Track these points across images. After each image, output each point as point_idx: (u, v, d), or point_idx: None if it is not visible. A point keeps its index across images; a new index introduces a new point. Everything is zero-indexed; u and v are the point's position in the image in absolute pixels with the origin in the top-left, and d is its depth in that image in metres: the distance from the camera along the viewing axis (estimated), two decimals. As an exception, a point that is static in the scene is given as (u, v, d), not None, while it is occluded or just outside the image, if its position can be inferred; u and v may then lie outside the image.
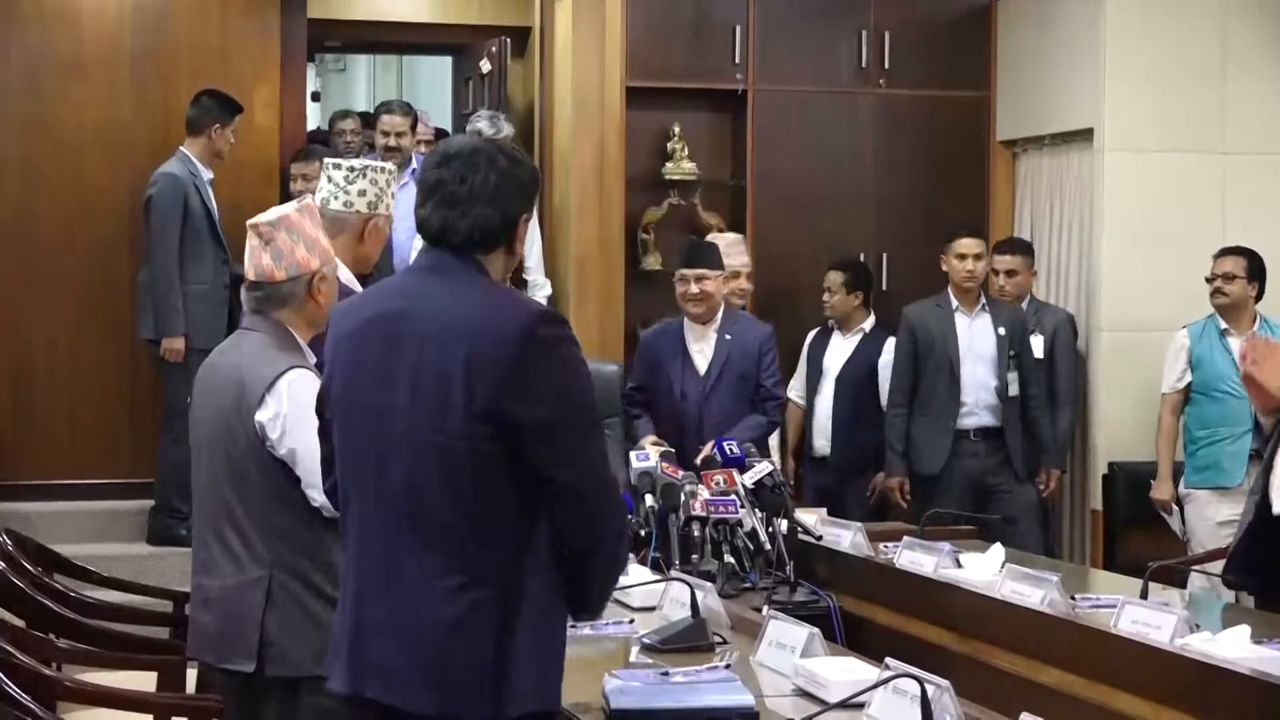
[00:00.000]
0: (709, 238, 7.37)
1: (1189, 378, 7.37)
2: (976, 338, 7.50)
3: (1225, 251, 7.38)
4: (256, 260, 3.88)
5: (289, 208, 3.97)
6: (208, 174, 7.90)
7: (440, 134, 9.26)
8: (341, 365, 3.20)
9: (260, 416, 3.75)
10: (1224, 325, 7.30)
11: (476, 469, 3.02)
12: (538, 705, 3.07)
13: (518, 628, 3.03)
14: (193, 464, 3.94)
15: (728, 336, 6.69)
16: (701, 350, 6.70)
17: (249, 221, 3.95)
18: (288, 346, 3.85)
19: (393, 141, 8.10)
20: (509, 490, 3.03)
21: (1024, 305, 7.85)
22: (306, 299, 3.89)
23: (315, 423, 3.35)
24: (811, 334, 8.09)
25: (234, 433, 3.78)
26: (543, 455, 3.01)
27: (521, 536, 3.05)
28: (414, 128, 8.29)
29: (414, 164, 7.89)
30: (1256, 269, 7.30)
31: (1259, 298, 7.34)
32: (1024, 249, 8.05)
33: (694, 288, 6.63)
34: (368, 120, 9.18)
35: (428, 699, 3.02)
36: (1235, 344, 7.22)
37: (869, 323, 7.91)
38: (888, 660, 3.32)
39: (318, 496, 3.70)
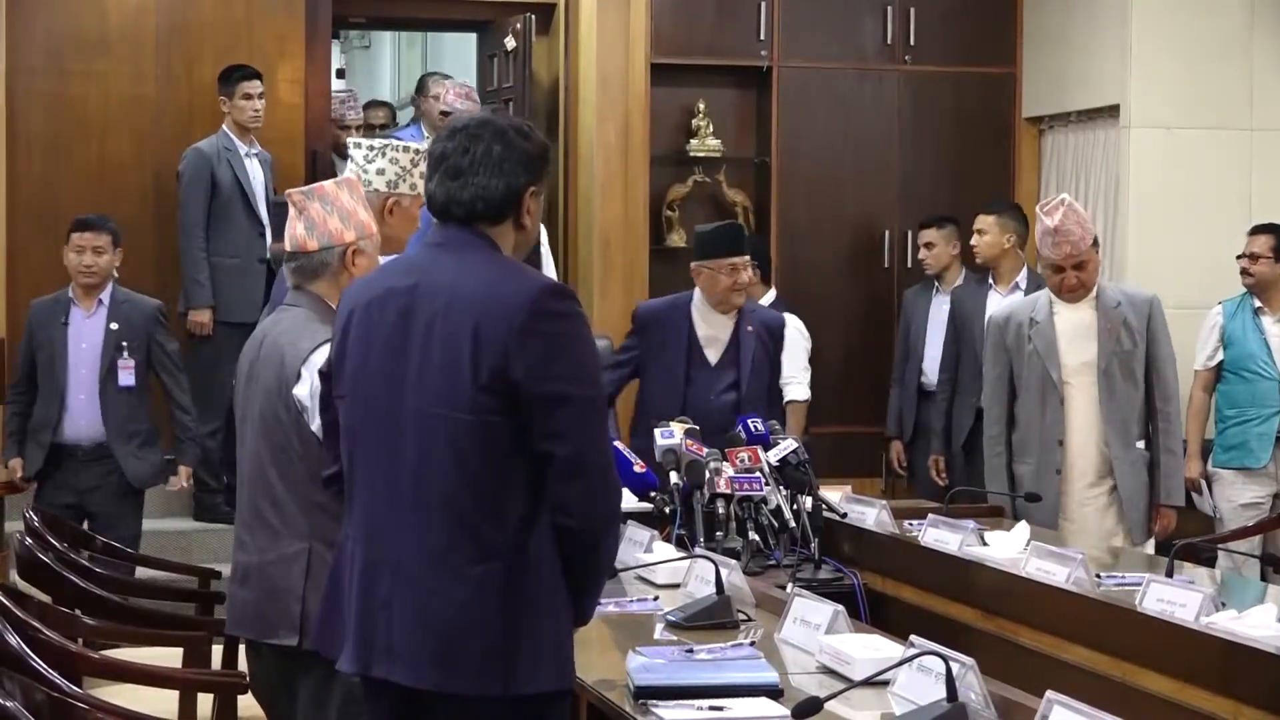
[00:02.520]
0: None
1: (1221, 355, 7.28)
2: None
3: (1256, 230, 7.31)
4: (291, 230, 3.93)
5: (329, 180, 4.02)
6: (246, 148, 7.92)
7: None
8: (354, 340, 3.20)
9: (298, 391, 3.76)
10: (1258, 304, 7.24)
11: (484, 443, 3.01)
12: (552, 685, 3.05)
13: (526, 605, 3.01)
14: (237, 440, 3.96)
15: (749, 328, 5.99)
16: (713, 338, 6.00)
17: (285, 192, 4.01)
18: (327, 320, 3.86)
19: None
20: (517, 466, 3.02)
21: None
22: (341, 270, 3.90)
23: None
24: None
25: (276, 408, 3.80)
26: (542, 427, 3.00)
27: (531, 513, 3.04)
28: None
29: None
30: (1285, 246, 7.24)
31: (1289, 274, 7.29)
32: (946, 222, 7.92)
33: (742, 277, 5.93)
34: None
35: (435, 676, 3.01)
36: (1268, 323, 7.18)
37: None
38: (912, 638, 3.31)
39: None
